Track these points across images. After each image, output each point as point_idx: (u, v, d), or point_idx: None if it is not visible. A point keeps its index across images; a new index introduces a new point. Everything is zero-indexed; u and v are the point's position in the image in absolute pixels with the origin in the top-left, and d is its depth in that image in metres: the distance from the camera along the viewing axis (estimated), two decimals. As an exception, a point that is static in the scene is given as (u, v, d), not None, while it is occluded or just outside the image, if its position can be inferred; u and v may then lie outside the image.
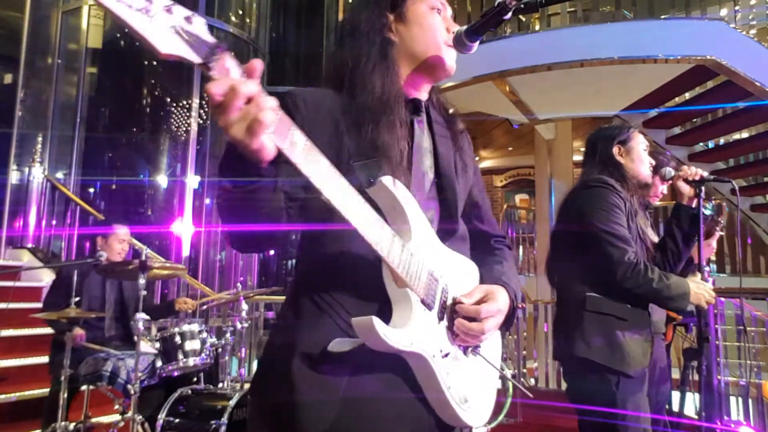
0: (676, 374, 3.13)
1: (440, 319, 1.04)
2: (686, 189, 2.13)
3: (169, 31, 0.70)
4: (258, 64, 0.76)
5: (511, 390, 4.00)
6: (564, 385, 2.05)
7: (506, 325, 1.14)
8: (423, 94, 1.20)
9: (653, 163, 2.18)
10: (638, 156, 2.13)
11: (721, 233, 2.63)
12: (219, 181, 0.88)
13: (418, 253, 0.99)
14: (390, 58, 1.12)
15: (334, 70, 1.15)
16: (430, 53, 1.14)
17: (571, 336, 1.96)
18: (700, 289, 1.98)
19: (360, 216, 0.87)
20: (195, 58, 0.72)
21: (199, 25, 0.73)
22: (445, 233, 1.12)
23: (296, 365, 0.97)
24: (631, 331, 1.92)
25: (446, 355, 1.03)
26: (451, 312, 1.06)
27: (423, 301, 0.99)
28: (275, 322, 1.11)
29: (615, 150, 2.14)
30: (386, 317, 0.96)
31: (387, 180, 0.97)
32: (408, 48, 1.15)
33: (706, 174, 2.11)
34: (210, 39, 0.73)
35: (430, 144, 1.17)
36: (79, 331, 3.14)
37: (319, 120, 1.04)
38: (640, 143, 2.16)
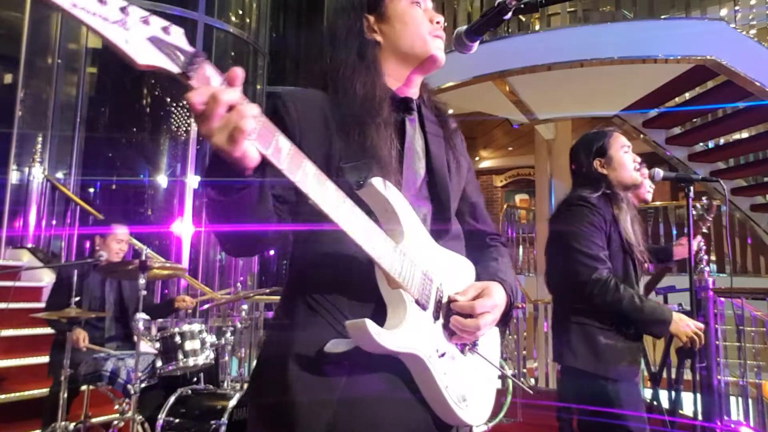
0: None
1: (435, 318, 1.04)
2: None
3: (146, 43, 0.69)
4: (239, 72, 0.76)
5: (511, 388, 3.99)
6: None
7: (504, 322, 1.14)
8: (414, 91, 1.20)
9: (638, 159, 2.17)
10: (619, 162, 2.12)
11: (705, 231, 2.64)
12: (204, 189, 0.88)
13: (411, 254, 0.99)
14: (369, 59, 1.13)
15: (318, 77, 1.15)
16: (416, 46, 1.15)
17: (560, 345, 2.05)
18: (682, 324, 1.98)
19: (348, 218, 0.87)
20: (173, 68, 0.72)
21: (177, 35, 0.72)
22: (439, 232, 1.12)
23: (292, 367, 0.97)
24: (615, 338, 1.96)
25: (443, 355, 1.02)
26: (446, 311, 1.06)
27: (417, 302, 0.99)
28: (272, 322, 1.12)
29: (596, 164, 2.13)
30: (381, 318, 0.96)
31: (377, 181, 0.97)
32: (393, 45, 1.16)
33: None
34: (189, 48, 0.73)
35: (423, 143, 1.17)
36: (80, 335, 3.14)
37: (310, 122, 1.05)
38: (619, 148, 2.13)
